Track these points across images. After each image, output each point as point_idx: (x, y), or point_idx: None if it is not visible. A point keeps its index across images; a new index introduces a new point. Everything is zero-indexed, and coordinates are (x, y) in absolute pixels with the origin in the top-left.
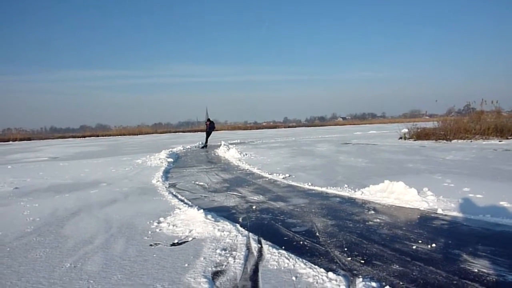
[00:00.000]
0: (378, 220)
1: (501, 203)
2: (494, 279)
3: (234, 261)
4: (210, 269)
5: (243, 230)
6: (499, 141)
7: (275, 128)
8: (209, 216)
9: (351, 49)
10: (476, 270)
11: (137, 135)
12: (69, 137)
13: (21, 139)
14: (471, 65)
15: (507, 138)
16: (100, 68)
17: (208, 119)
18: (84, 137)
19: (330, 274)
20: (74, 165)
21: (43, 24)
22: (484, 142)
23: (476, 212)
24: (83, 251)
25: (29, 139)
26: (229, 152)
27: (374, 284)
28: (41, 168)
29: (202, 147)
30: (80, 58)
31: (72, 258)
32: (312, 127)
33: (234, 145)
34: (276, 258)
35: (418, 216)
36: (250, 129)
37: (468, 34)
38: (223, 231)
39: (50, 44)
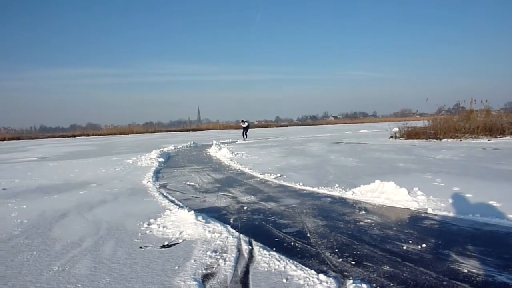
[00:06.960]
0: (368, 220)
1: (490, 202)
2: (483, 279)
3: (225, 263)
4: (200, 271)
5: (234, 231)
6: (488, 140)
7: (267, 127)
8: (199, 218)
9: (344, 49)
10: (466, 271)
11: (128, 134)
12: (59, 137)
13: (9, 139)
14: (462, 64)
15: (496, 137)
16: (91, 67)
17: (242, 120)
18: (74, 136)
19: (321, 276)
20: (64, 165)
21: (32, 22)
22: (473, 141)
23: (466, 212)
24: (72, 254)
25: (18, 138)
26: (220, 151)
27: (364, 285)
28: (29, 168)
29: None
30: (71, 56)
31: (60, 261)
32: (303, 126)
33: (225, 145)
34: (267, 260)
35: (409, 216)
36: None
37: (460, 33)
38: (213, 233)
39: (40, 42)
